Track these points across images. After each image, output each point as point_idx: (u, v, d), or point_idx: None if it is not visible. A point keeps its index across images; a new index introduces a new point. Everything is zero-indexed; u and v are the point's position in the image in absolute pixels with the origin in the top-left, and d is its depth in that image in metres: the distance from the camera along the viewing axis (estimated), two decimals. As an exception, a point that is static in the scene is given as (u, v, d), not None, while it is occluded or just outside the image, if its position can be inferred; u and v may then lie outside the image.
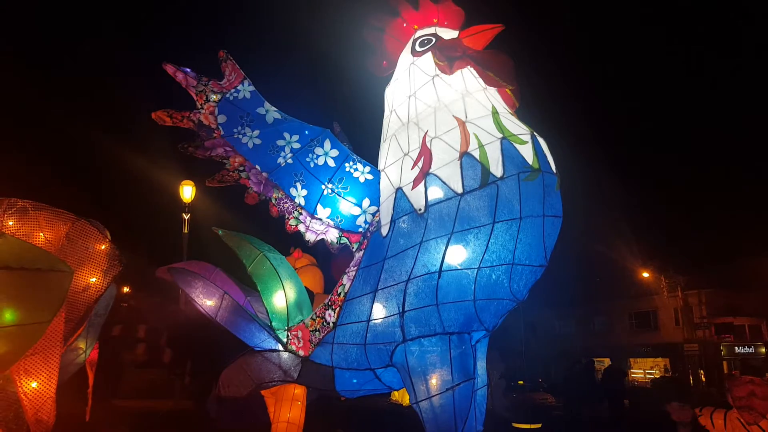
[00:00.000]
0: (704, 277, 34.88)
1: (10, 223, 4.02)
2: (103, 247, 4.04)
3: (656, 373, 36.21)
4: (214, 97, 4.59)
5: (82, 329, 4.34)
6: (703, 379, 33.72)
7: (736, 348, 33.16)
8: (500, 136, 3.87)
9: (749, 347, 33.23)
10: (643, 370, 38.00)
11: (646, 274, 37.41)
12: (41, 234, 4.04)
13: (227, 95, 4.63)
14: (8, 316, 3.20)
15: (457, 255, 3.79)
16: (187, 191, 15.47)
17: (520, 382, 32.66)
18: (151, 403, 11.50)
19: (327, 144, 4.78)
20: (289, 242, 5.41)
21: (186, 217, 15.65)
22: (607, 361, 39.40)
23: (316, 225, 4.78)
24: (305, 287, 5.74)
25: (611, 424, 13.96)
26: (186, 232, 15.58)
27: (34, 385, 3.76)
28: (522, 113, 4.36)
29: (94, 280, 3.95)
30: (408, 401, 5.37)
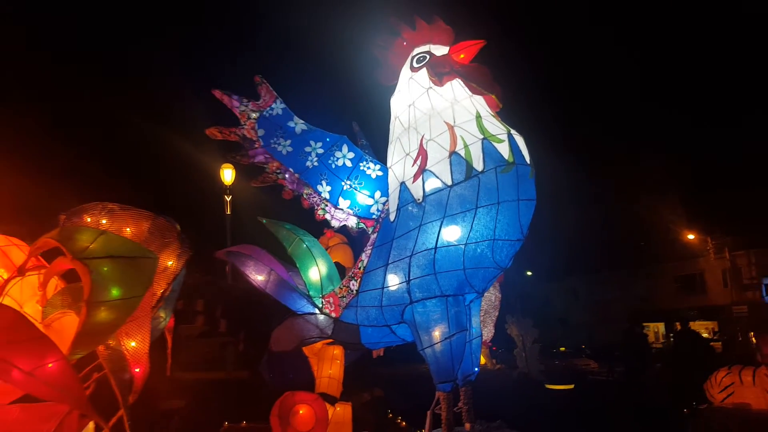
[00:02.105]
0: (752, 237, 34.06)
1: (104, 221, 5.12)
2: (175, 237, 5.15)
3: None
4: (253, 115, 5.70)
5: (163, 302, 5.44)
6: (754, 341, 33.25)
7: (789, 308, 32.55)
8: (481, 137, 4.81)
9: (802, 306, 32.51)
10: (690, 334, 37.56)
11: (691, 236, 36.80)
12: (127, 229, 5.12)
13: (264, 113, 5.74)
14: (114, 292, 4.22)
15: (449, 234, 4.79)
16: (228, 174, 16.36)
17: (562, 349, 33.14)
18: (205, 374, 12.34)
19: (344, 148, 5.87)
20: (319, 228, 6.45)
21: (228, 198, 16.70)
22: (655, 326, 39.17)
23: (339, 214, 5.90)
24: (337, 262, 6.80)
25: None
26: (228, 212, 16.62)
27: (133, 344, 4.82)
28: (506, 113, 5.24)
29: (170, 263, 5.04)
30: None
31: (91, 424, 4.97)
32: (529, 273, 45.06)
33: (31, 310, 4.55)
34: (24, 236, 4.99)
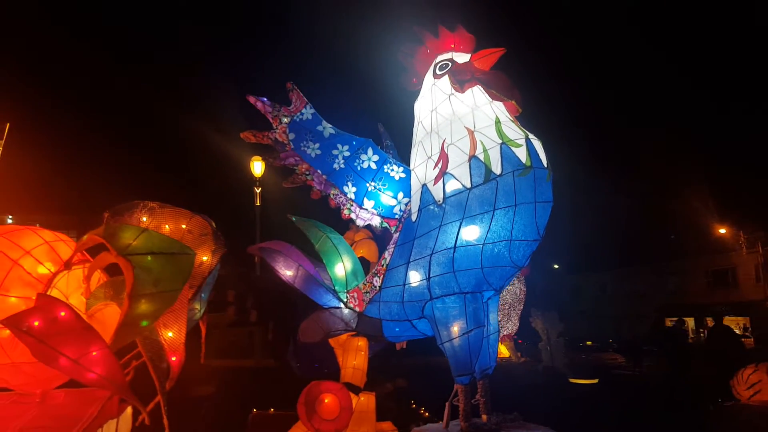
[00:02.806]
0: (786, 232, 33.32)
1: (144, 219, 5.41)
2: (211, 234, 5.44)
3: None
4: (285, 119, 5.99)
5: (198, 295, 5.72)
6: (785, 337, 32.64)
7: (823, 304, 31.79)
8: (500, 141, 4.99)
9: (836, 302, 31.73)
10: (722, 330, 36.73)
11: (723, 230, 36.13)
12: (166, 227, 5.39)
13: (295, 117, 6.02)
14: (154, 286, 4.52)
15: (467, 234, 5.00)
16: (257, 167, 16.69)
17: (588, 343, 32.93)
18: (234, 362, 12.85)
19: (369, 151, 6.10)
20: (345, 225, 6.70)
21: (257, 190, 17.04)
22: (689, 321, 38.49)
23: (363, 214, 6.15)
24: (362, 256, 7.05)
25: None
26: (258, 204, 16.96)
27: (170, 334, 5.08)
28: (530, 115, 5.40)
29: (206, 258, 5.33)
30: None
31: (129, 409, 5.29)
32: (555, 266, 44.80)
33: (77, 302, 4.82)
34: (71, 231, 5.28)
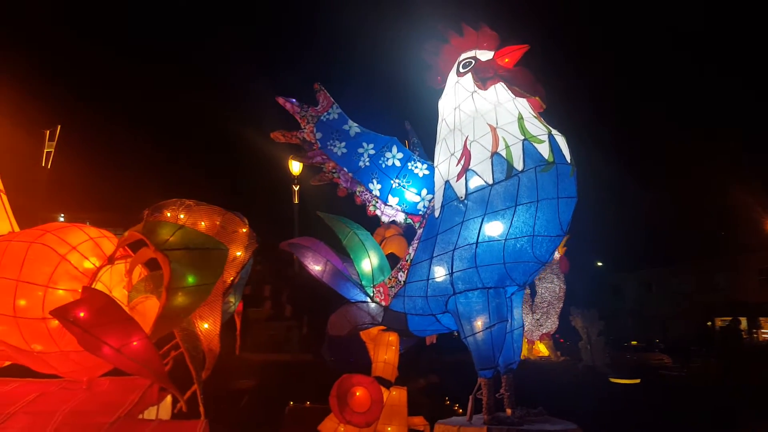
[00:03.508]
0: None
1: (182, 216, 5.66)
2: (244, 230, 5.65)
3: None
4: (312, 119, 6.22)
5: (232, 288, 5.95)
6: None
7: None
8: (522, 138, 5.04)
9: None
10: (777, 331, 35.17)
11: (778, 227, 34.65)
12: (201, 223, 5.64)
13: (322, 117, 6.23)
14: (190, 279, 4.68)
15: (490, 230, 5.08)
16: (295, 165, 16.92)
17: (633, 342, 32.19)
18: (272, 356, 12.95)
19: (394, 149, 6.25)
20: (372, 222, 6.85)
21: (295, 188, 17.37)
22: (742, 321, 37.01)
23: (388, 210, 6.31)
24: (393, 252, 7.18)
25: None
26: (296, 202, 17.30)
27: (206, 325, 5.30)
28: (556, 114, 5.43)
29: (239, 253, 5.56)
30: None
31: (169, 397, 5.55)
32: (598, 264, 43.87)
33: (119, 295, 5.10)
34: (113, 226, 5.58)
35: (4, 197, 5.55)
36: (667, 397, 14.35)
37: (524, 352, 19.19)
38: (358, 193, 6.38)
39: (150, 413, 5.19)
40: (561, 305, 19.54)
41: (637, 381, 16.65)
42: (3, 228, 5.38)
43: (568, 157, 5.13)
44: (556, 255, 19.52)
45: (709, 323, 34.52)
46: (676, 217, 39.95)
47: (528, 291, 19.72)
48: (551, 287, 19.41)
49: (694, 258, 39.65)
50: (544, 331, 19.52)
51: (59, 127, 15.62)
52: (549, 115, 5.46)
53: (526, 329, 19.36)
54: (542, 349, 19.64)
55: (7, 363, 5.35)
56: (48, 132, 15.69)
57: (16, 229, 5.51)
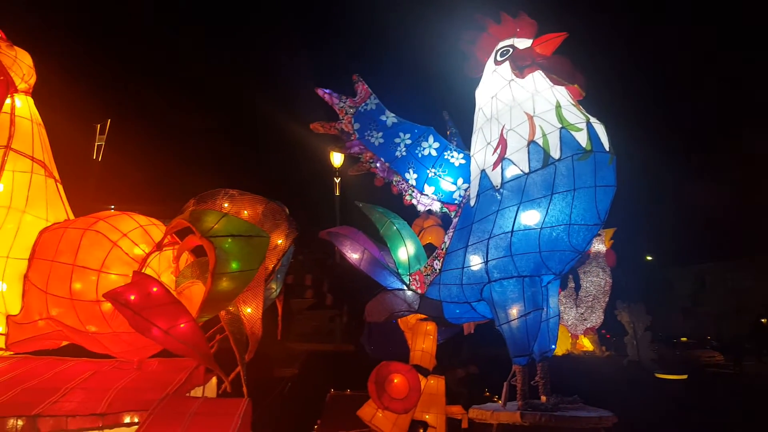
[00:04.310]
0: None
1: (226, 205, 5.82)
2: (285, 219, 5.82)
3: None
4: (351, 110, 6.33)
5: (274, 275, 6.12)
6: None
7: None
8: (560, 126, 5.01)
9: None
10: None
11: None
12: (245, 212, 5.79)
13: (360, 108, 6.34)
14: (234, 265, 4.83)
15: (525, 218, 5.08)
16: (337, 157, 17.09)
17: (684, 339, 31.24)
18: (316, 346, 13.26)
19: (430, 138, 6.30)
20: (411, 211, 6.92)
21: (337, 180, 17.59)
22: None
23: (424, 199, 6.37)
24: (431, 242, 7.25)
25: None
26: (337, 194, 17.52)
27: (249, 310, 5.47)
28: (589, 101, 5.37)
29: (280, 241, 5.70)
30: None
31: (214, 379, 5.77)
32: (648, 258, 42.65)
33: (167, 280, 5.29)
34: (162, 216, 5.82)
35: (60, 187, 5.87)
36: (714, 394, 13.94)
37: (568, 347, 18.98)
38: (394, 183, 6.46)
39: (196, 393, 5.41)
40: (607, 299, 19.20)
41: (684, 377, 16.22)
42: (59, 216, 5.70)
43: (606, 146, 5.08)
44: (603, 248, 19.16)
45: (764, 320, 33.16)
46: (735, 210, 38.40)
47: (572, 285, 19.45)
48: (596, 281, 19.10)
49: (753, 253, 38.06)
50: (588, 326, 19.23)
51: (109, 121, 16.25)
52: (591, 103, 5.41)
53: (569, 324, 19.12)
54: (586, 344, 19.35)
55: (65, 343, 5.69)
56: (99, 126, 16.37)
57: (71, 217, 5.83)
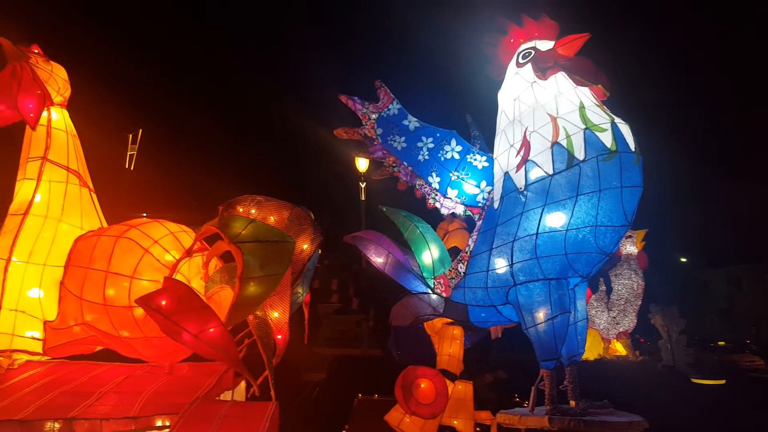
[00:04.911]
0: None
1: (253, 211, 5.92)
2: (310, 224, 5.89)
3: None
4: (373, 116, 6.38)
5: (300, 280, 6.18)
6: None
7: None
8: (584, 127, 4.97)
9: None
10: None
11: None
12: (271, 218, 5.88)
13: (382, 113, 6.39)
14: (261, 270, 4.86)
15: (550, 220, 5.04)
16: (362, 162, 17.22)
17: (721, 343, 30.37)
18: (343, 350, 13.28)
19: (453, 142, 6.31)
20: (434, 215, 6.92)
21: (362, 185, 17.68)
22: None
23: (447, 203, 6.37)
24: (456, 246, 7.22)
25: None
26: (363, 199, 17.60)
27: (276, 314, 5.53)
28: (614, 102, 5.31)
29: (305, 246, 5.76)
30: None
31: (243, 383, 5.85)
32: (683, 259, 41.69)
33: (197, 285, 5.40)
34: (192, 223, 5.94)
35: (94, 196, 6.04)
36: (754, 400, 13.51)
37: (600, 351, 18.64)
38: (417, 187, 6.49)
39: (225, 397, 5.50)
40: (639, 302, 18.81)
41: (722, 382, 15.75)
42: (93, 224, 5.87)
43: (632, 146, 5.01)
44: (634, 250, 18.80)
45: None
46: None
47: (603, 288, 19.12)
48: (628, 284, 18.73)
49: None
50: (621, 330, 18.86)
51: (140, 131, 16.64)
52: (616, 102, 5.35)
53: (602, 328, 18.80)
54: (619, 348, 18.97)
55: (99, 348, 5.84)
56: (131, 136, 16.78)
57: (105, 224, 5.99)
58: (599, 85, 5.15)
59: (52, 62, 5.98)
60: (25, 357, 5.37)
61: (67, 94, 6.08)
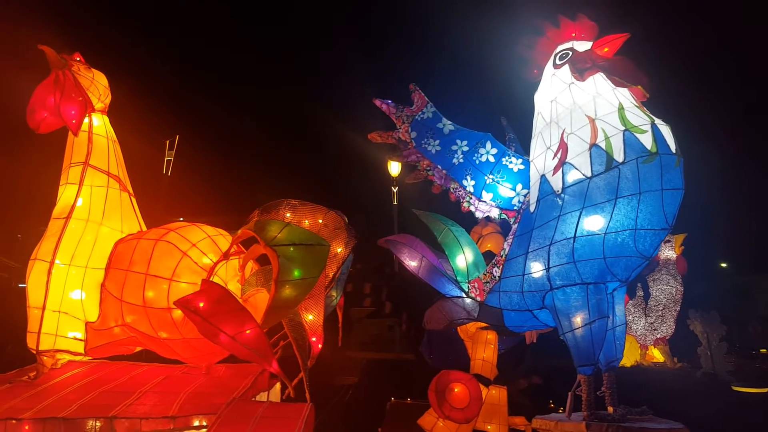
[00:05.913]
0: None
1: (288, 215, 5.96)
2: (344, 228, 5.91)
3: None
4: (407, 119, 6.39)
5: (334, 283, 6.21)
6: None
7: None
8: (623, 128, 4.87)
9: None
10: None
11: None
12: (305, 221, 5.91)
13: (416, 117, 6.38)
14: (296, 273, 4.92)
15: (588, 224, 4.95)
16: (394, 167, 17.14)
17: (763, 351, 29.35)
18: (376, 354, 13.23)
19: (488, 145, 6.25)
20: (469, 218, 6.88)
21: (395, 190, 17.68)
22: None
23: (482, 206, 6.31)
24: (490, 250, 7.16)
25: None
26: (395, 203, 17.60)
27: (310, 317, 5.54)
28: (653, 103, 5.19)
29: (339, 250, 5.78)
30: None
31: (278, 385, 5.91)
32: (723, 265, 40.50)
33: (233, 288, 5.47)
34: (228, 227, 6.03)
35: (133, 200, 6.19)
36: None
37: (637, 358, 18.22)
38: (452, 190, 6.44)
39: (261, 398, 5.56)
40: (678, 308, 18.34)
41: (765, 390, 15.21)
42: (133, 227, 6.01)
43: (673, 147, 4.89)
44: (673, 255, 18.35)
45: None
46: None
47: (641, 293, 18.72)
48: (667, 289, 18.26)
49: None
50: (659, 336, 18.41)
51: (177, 137, 16.98)
52: (658, 103, 5.23)
53: (639, 334, 18.39)
54: (657, 355, 18.51)
55: (139, 348, 5.98)
56: (168, 142, 17.15)
57: (144, 228, 6.13)
58: (639, 86, 5.04)
59: (93, 69, 6.14)
60: (67, 357, 5.53)
61: (108, 100, 6.24)
